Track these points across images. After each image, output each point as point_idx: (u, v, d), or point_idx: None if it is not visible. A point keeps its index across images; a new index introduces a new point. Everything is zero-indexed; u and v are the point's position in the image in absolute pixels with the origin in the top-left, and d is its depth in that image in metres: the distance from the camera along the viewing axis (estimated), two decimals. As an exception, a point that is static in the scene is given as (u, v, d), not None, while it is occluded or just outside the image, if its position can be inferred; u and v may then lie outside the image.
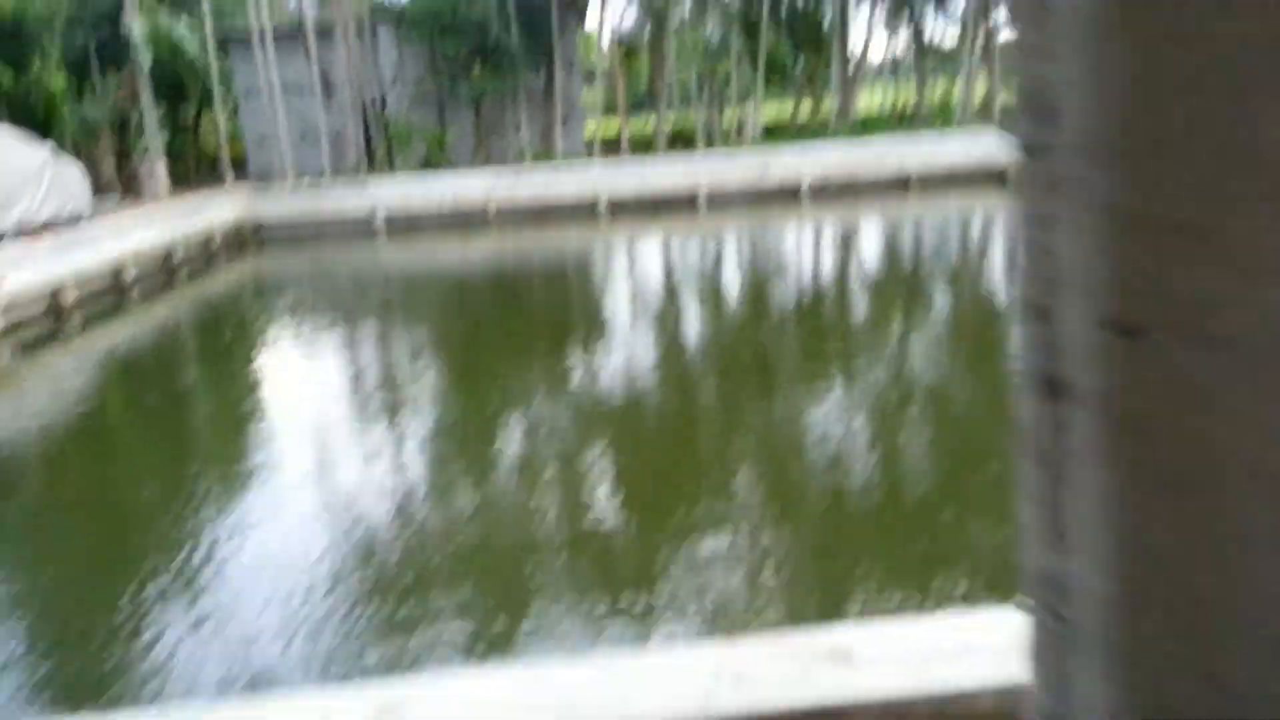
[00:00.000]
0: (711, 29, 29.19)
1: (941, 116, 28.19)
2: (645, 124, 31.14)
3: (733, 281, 13.99)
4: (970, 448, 6.69)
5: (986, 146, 21.90)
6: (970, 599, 4.37)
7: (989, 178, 21.42)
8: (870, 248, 16.33)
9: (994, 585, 4.43)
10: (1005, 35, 32.21)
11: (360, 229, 19.64)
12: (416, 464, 6.99)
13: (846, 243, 16.78)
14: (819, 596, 4.72)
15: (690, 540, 5.29)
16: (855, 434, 7.19)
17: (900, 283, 13.07)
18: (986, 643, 2.41)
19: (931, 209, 19.23)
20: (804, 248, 16.46)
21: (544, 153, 25.60)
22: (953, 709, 2.25)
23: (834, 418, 7.60)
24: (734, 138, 28.28)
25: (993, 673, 2.27)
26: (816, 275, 14.04)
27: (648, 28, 29.40)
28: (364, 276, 16.53)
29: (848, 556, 5.18)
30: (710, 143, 27.38)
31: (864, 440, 7.09)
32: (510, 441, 7.35)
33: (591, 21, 30.52)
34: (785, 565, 5.06)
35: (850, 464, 6.61)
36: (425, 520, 5.85)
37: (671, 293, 13.10)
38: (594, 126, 28.74)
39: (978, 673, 2.27)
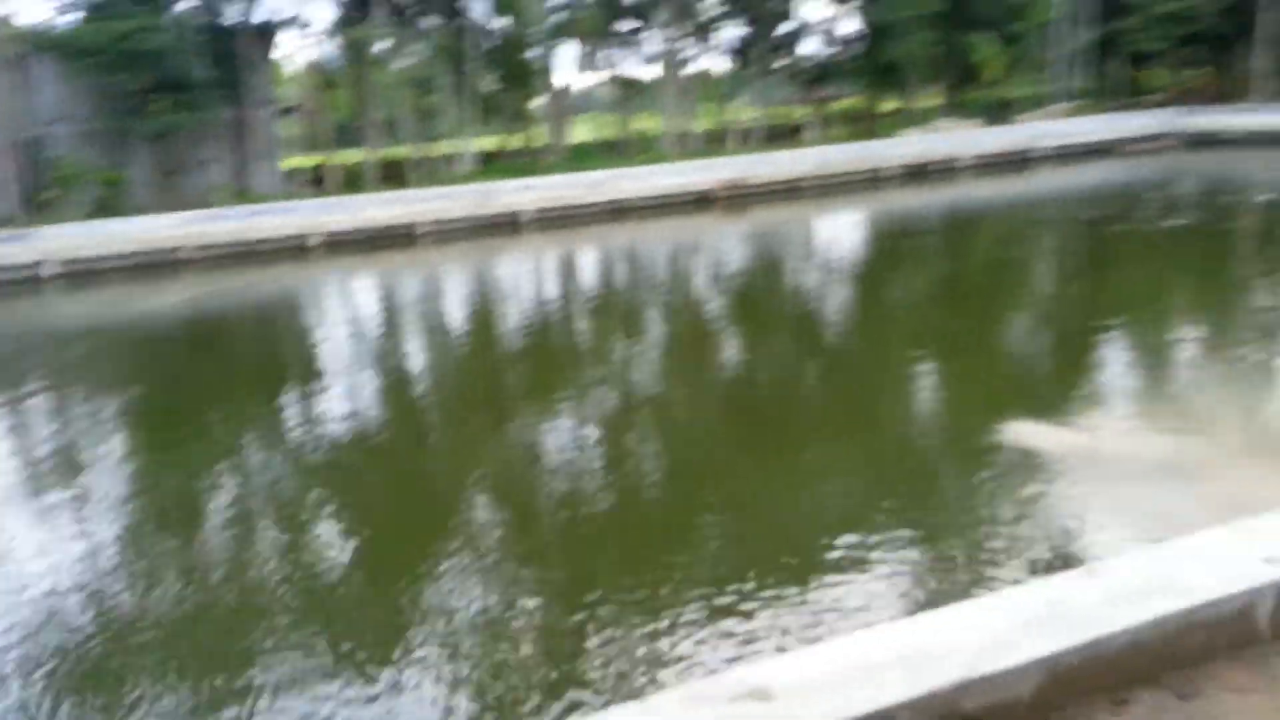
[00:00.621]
0: (415, 62, 28.70)
1: (646, 148, 29.47)
2: (350, 158, 29.95)
3: (455, 313, 13.68)
4: (691, 459, 6.98)
5: (691, 175, 23.16)
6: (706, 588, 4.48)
7: (695, 203, 22.67)
8: (592, 272, 16.63)
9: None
10: (695, 74, 34.33)
11: (22, 282, 17.20)
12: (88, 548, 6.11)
13: (569, 268, 16.98)
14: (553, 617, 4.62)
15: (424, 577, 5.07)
16: (587, 452, 7.33)
17: (623, 303, 13.39)
18: (896, 659, 2.43)
19: (647, 232, 19.98)
20: (525, 276, 16.47)
21: (241, 191, 23.87)
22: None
23: (563, 439, 7.67)
24: (448, 171, 27.90)
25: (906, 690, 2.28)
26: (540, 301, 14.06)
27: (345, 58, 28.36)
28: (25, 336, 14.36)
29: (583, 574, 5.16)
30: (424, 176, 26.83)
31: (596, 456, 7.23)
32: (212, 509, 6.68)
33: (283, 50, 28.97)
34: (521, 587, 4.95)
35: (584, 480, 6.69)
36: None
37: (393, 328, 12.57)
38: (295, 161, 27.24)
39: (898, 689, 2.28)
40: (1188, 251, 13.18)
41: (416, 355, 11.26)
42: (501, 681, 4.36)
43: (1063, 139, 26.40)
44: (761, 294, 13.44)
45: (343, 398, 9.37)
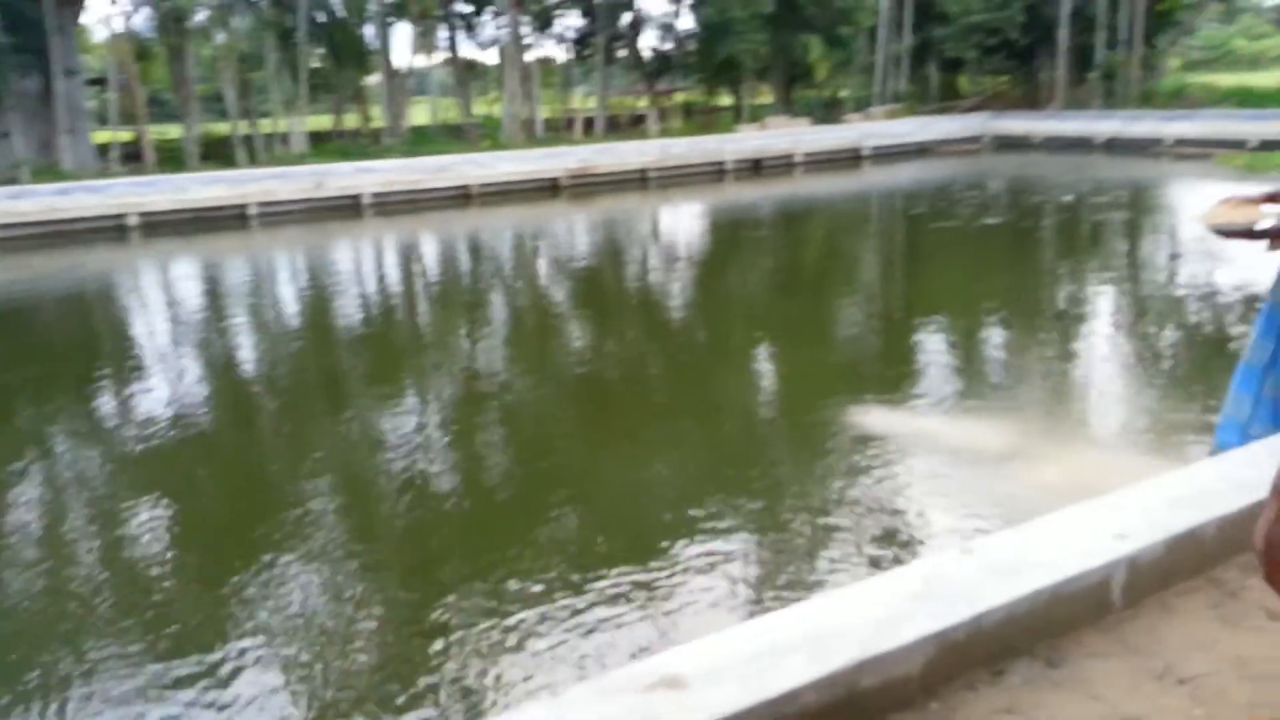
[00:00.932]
0: (240, 34, 27.17)
1: (489, 134, 29.04)
2: (169, 133, 28.07)
3: (291, 299, 13.09)
4: (533, 447, 7.04)
5: (536, 162, 23.01)
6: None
7: (540, 190, 22.56)
8: (436, 258, 16.27)
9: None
10: (536, 60, 34.06)
11: None
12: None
13: (412, 254, 16.55)
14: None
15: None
16: (426, 442, 7.22)
17: (469, 290, 13.19)
18: (799, 641, 2.51)
19: (493, 219, 19.73)
20: (366, 261, 15.93)
21: (49, 166, 21.97)
22: (787, 709, 2.31)
23: (400, 429, 7.53)
24: (277, 150, 26.59)
25: (810, 671, 2.37)
26: (382, 288, 13.66)
27: (161, 27, 26.52)
28: None
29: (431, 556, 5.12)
30: (252, 154, 25.47)
31: (435, 446, 7.15)
32: (16, 506, 6.21)
33: (91, 16, 26.85)
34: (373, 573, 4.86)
35: (423, 470, 6.59)
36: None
37: (222, 315, 11.90)
38: (107, 136, 25.29)
39: (803, 670, 2.36)
40: (1003, 247, 14.18)
41: (246, 344, 10.70)
42: (336, 682, 4.22)
43: (887, 139, 27.85)
44: (607, 281, 13.53)
45: (163, 389, 8.79)
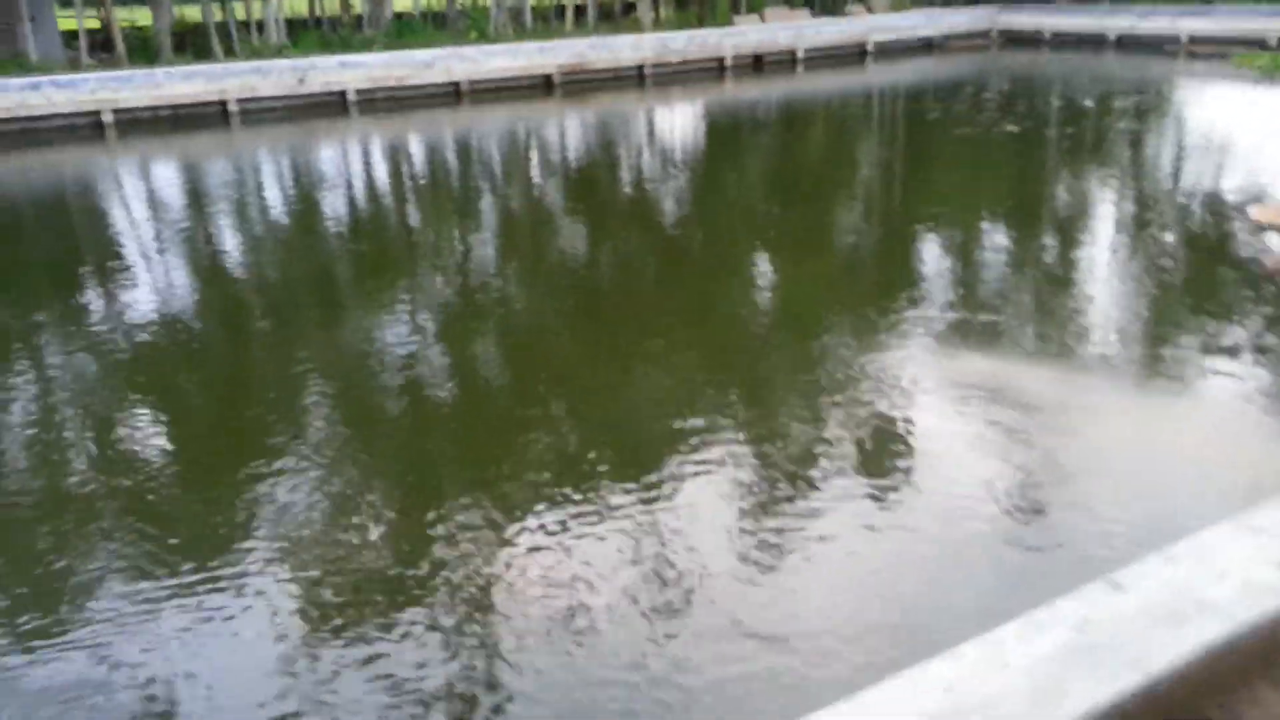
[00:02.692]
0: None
1: (476, 22, 27.67)
2: (140, 19, 26.61)
3: (278, 202, 12.46)
4: (527, 353, 6.75)
5: (528, 57, 21.95)
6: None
7: (533, 88, 21.59)
8: (427, 159, 15.56)
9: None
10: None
11: None
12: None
13: (401, 155, 15.82)
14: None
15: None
16: (421, 348, 6.98)
17: (460, 193, 12.59)
18: (950, 711, 2.19)
19: (484, 118, 18.88)
20: (354, 162, 15.21)
21: (11, 57, 20.77)
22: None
23: (393, 335, 7.28)
24: (255, 40, 25.27)
25: None
26: (371, 190, 13.03)
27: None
28: None
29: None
30: (228, 45, 24.20)
31: (430, 352, 6.88)
32: (9, 413, 5.86)
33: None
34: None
35: (418, 377, 6.29)
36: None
37: (208, 219, 11.30)
38: (70, 23, 23.91)
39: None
40: (1023, 159, 13.63)
41: (235, 250, 10.17)
42: (338, 587, 4.10)
43: (893, 33, 26.78)
44: (604, 187, 12.95)
45: (152, 296, 8.37)
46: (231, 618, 3.93)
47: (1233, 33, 23.16)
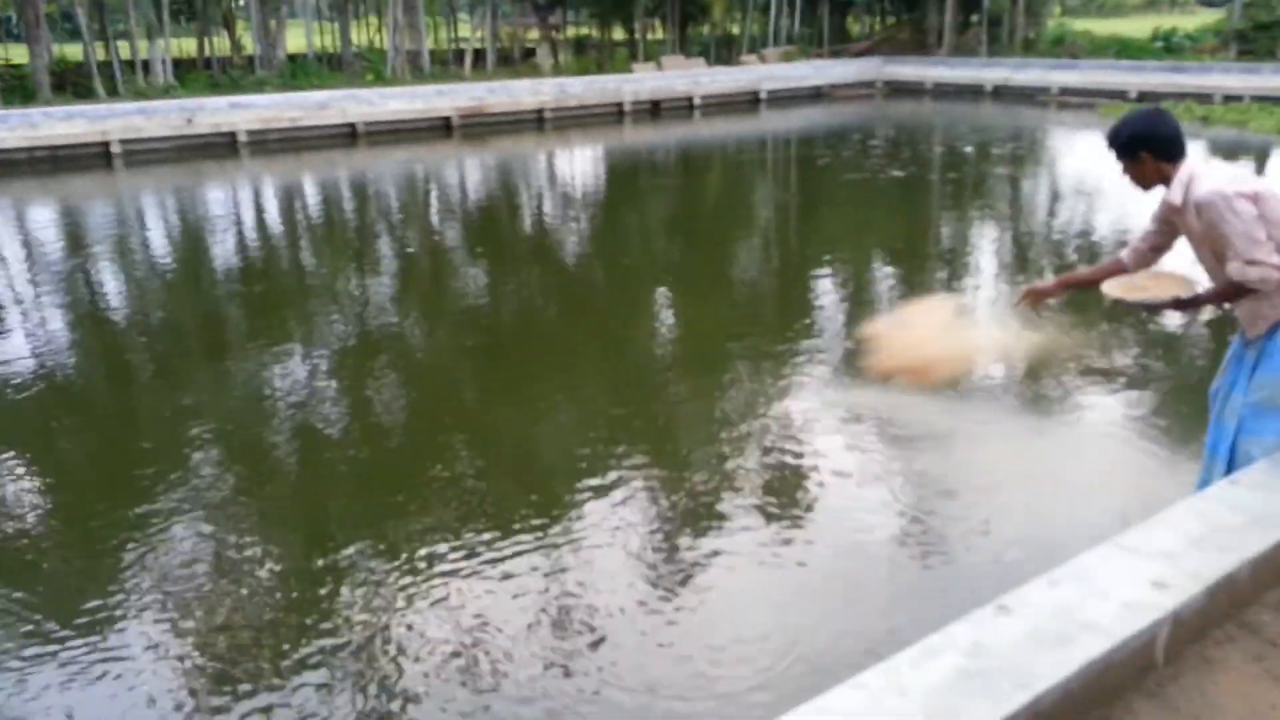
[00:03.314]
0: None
1: (372, 65, 27.50)
2: (15, 57, 25.57)
3: (163, 246, 12.07)
4: (427, 397, 6.74)
5: (426, 100, 21.91)
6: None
7: (431, 130, 21.53)
8: (320, 201, 15.29)
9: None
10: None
11: None
12: None
13: (294, 197, 15.52)
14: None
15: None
16: (315, 395, 6.81)
17: (355, 236, 12.42)
18: None
19: (380, 161, 18.71)
20: (244, 204, 14.86)
21: None
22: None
23: (286, 382, 7.10)
24: (140, 81, 24.54)
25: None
26: (262, 233, 12.74)
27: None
28: None
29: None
30: (111, 85, 23.43)
31: (324, 399, 6.73)
32: None
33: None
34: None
35: (312, 425, 6.18)
36: None
37: (87, 262, 10.85)
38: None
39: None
40: (910, 199, 14.21)
41: (117, 293, 9.79)
42: (227, 640, 3.97)
43: (784, 82, 27.71)
44: (504, 229, 12.97)
45: (22, 342, 7.97)
46: (112, 675, 3.73)
47: (1098, 85, 24.74)
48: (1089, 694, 2.34)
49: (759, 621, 3.95)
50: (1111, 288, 3.62)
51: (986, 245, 11.22)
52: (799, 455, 5.50)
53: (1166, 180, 3.44)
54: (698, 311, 9.01)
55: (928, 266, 10.35)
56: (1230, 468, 3.57)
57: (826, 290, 9.48)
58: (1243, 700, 2.39)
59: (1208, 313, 7.02)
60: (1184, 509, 3.03)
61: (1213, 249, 3.39)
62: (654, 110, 24.80)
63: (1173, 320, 7.80)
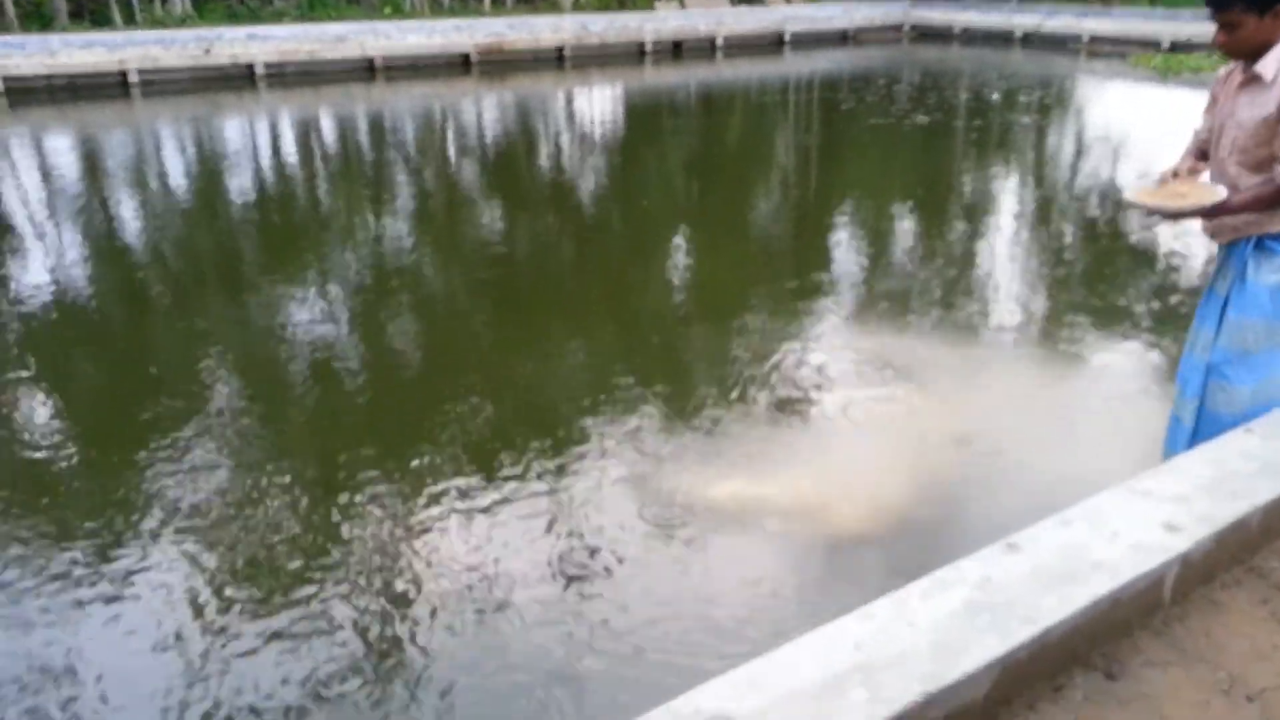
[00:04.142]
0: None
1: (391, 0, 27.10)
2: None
3: (181, 178, 12.04)
4: (443, 337, 6.71)
5: (445, 35, 21.62)
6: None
7: (450, 67, 21.27)
8: (339, 137, 15.20)
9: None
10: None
11: None
12: None
13: (312, 131, 15.42)
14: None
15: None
16: (332, 331, 6.83)
17: (372, 173, 12.37)
18: (853, 669, 2.26)
19: (399, 96, 18.53)
20: (262, 137, 14.77)
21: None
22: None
23: (304, 314, 7.16)
24: (157, 10, 24.29)
25: (875, 711, 2.13)
26: (280, 167, 12.69)
27: None
28: None
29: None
30: (128, 13, 23.22)
31: (341, 335, 6.75)
32: None
33: None
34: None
35: (328, 360, 6.22)
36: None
37: (108, 194, 10.85)
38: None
39: (867, 711, 2.12)
40: (937, 148, 14.00)
41: (135, 226, 9.81)
42: (240, 567, 4.05)
43: (810, 24, 27.16)
44: (522, 170, 12.87)
45: (46, 274, 8.03)
46: (127, 598, 3.82)
47: (1130, 34, 24.14)
48: (1095, 630, 2.37)
49: (765, 560, 4.00)
50: (1144, 195, 3.35)
51: (1009, 194, 11.08)
52: (811, 399, 5.52)
53: (1263, 47, 3.10)
54: (715, 255, 8.97)
55: (950, 214, 10.24)
56: (1201, 407, 3.51)
57: (845, 237, 9.41)
58: (1247, 641, 2.42)
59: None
60: (1198, 455, 3.03)
61: (1268, 147, 3.15)
62: (676, 50, 24.40)
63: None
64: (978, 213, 10.23)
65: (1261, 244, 3.29)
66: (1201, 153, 3.58)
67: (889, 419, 5.23)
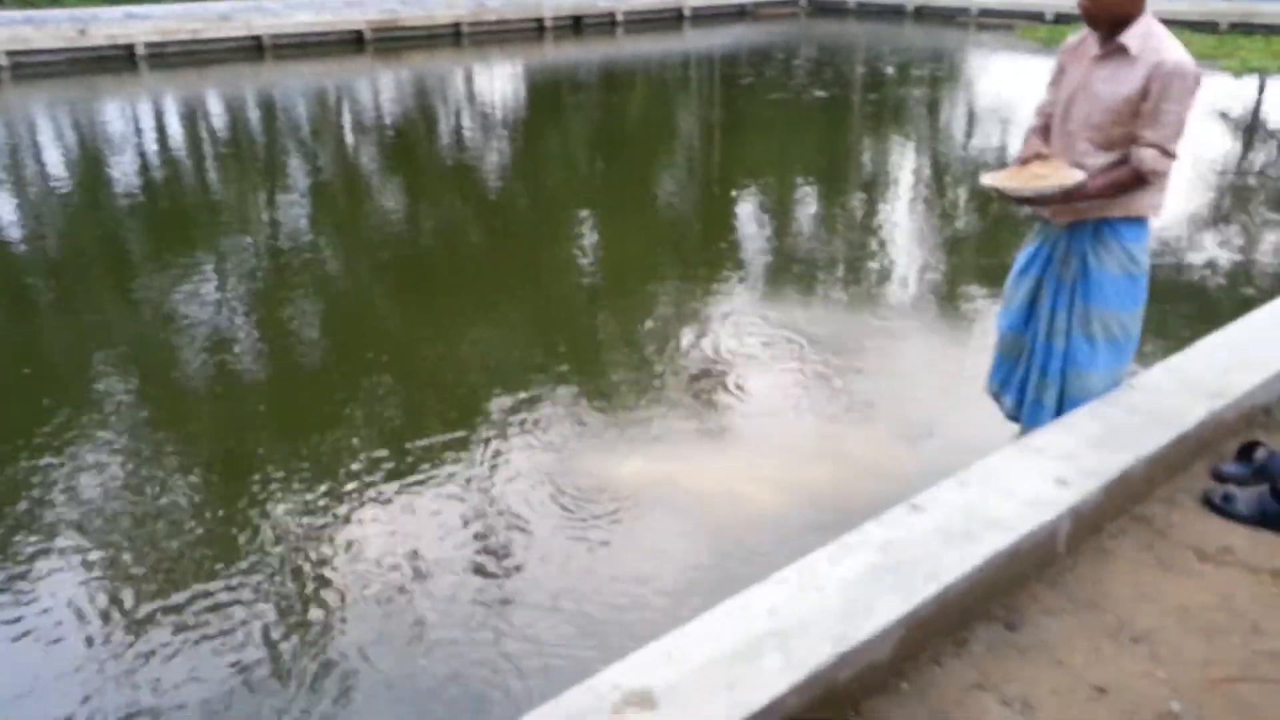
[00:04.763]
0: None
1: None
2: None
3: (58, 166, 11.47)
4: (344, 322, 6.59)
5: (336, 12, 20.99)
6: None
7: (343, 44, 20.67)
8: (226, 118, 14.63)
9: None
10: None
11: None
12: None
13: (197, 113, 14.81)
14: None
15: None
16: (227, 319, 6.64)
17: (264, 153, 11.97)
18: (766, 634, 2.30)
19: (289, 76, 17.94)
20: (145, 121, 14.11)
21: None
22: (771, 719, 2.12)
23: (197, 303, 6.92)
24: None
25: (790, 675, 2.17)
26: (164, 150, 12.17)
27: None
28: None
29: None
30: (-9, -9, 21.82)
31: (238, 323, 6.54)
32: None
33: None
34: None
35: (227, 349, 6.03)
36: None
37: None
38: None
39: (781, 675, 2.16)
40: (833, 122, 14.24)
41: (7, 216, 9.31)
42: (144, 572, 3.91)
43: (707, 0, 27.22)
44: (419, 150, 12.62)
45: None
46: (22, 617, 3.65)
47: (1015, 6, 24.90)
48: (994, 584, 2.47)
49: (684, 530, 4.04)
50: (1000, 179, 3.20)
51: (905, 164, 11.35)
52: (719, 375, 5.58)
53: (1124, 20, 3.00)
54: (621, 233, 8.97)
55: (849, 186, 10.44)
56: (1061, 394, 3.42)
57: (748, 211, 9.52)
58: (1133, 585, 2.55)
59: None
60: (1087, 412, 3.18)
61: (1126, 126, 3.02)
62: (576, 27, 24.19)
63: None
64: (876, 185, 10.46)
65: (1099, 231, 3.19)
66: (1046, 129, 3.41)
67: (796, 391, 5.32)
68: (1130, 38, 2.99)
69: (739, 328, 6.23)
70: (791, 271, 7.49)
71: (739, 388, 5.37)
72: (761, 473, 4.48)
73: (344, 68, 18.98)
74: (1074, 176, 3.06)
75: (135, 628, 3.54)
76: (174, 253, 8.22)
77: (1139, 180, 3.04)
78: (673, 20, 26.19)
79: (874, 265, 7.66)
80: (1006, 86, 16.93)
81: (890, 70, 18.67)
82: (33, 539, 4.06)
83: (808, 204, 9.85)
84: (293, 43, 19.89)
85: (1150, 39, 2.98)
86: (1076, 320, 3.32)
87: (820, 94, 16.11)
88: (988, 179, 3.23)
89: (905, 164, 11.38)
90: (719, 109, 15.73)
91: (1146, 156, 2.97)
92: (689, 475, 4.47)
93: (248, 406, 5.41)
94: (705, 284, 7.10)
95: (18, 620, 3.59)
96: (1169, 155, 2.97)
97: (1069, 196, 3.09)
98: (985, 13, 25.59)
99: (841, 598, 2.25)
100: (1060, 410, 3.41)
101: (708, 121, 14.64)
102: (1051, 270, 3.41)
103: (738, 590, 2.32)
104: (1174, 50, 2.94)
